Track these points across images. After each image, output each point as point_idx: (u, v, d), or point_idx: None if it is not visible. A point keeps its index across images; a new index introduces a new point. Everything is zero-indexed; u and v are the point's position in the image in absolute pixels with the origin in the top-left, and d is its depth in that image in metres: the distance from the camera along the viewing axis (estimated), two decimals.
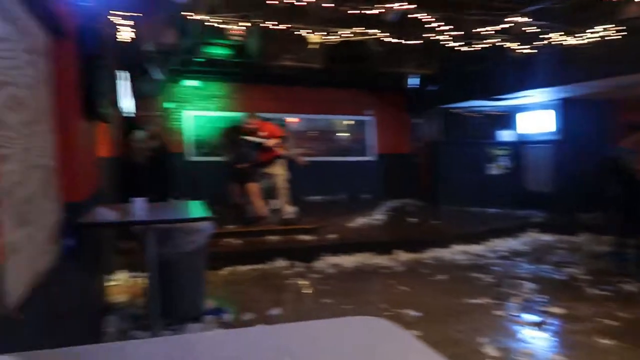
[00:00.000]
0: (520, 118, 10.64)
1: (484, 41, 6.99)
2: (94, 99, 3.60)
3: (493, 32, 6.74)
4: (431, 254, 6.81)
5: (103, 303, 4.33)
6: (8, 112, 2.10)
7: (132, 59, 8.08)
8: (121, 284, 5.30)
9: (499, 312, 4.51)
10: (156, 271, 3.51)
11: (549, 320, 4.35)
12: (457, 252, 6.94)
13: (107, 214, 3.11)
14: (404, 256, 6.64)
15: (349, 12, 5.76)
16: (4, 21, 2.11)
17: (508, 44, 7.10)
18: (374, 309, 4.58)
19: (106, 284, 4.75)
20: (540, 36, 6.76)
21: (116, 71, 5.88)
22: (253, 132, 7.07)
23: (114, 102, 5.55)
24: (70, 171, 3.19)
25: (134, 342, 1.41)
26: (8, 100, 2.12)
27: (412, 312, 4.42)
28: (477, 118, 11.44)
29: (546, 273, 6.00)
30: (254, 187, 6.92)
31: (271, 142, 7.10)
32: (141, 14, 5.23)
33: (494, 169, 10.69)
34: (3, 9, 2.10)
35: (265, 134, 7.16)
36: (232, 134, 6.96)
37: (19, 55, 2.36)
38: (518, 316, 4.44)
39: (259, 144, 7.04)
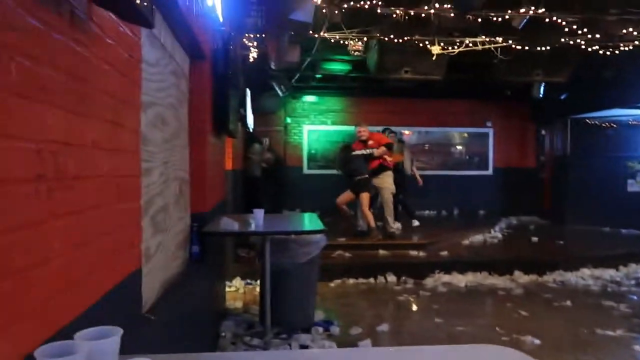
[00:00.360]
0: None
1: (624, 44, 6.33)
2: (224, 115, 3.93)
3: (635, 33, 6.07)
4: (555, 277, 6.29)
5: (221, 308, 4.64)
6: (153, 129, 2.39)
7: (256, 77, 8.68)
8: (237, 290, 5.63)
9: (637, 347, 4.03)
10: (270, 280, 3.70)
11: None
12: (586, 277, 6.33)
13: (229, 223, 3.35)
14: (523, 278, 6.22)
15: (472, 19, 5.57)
16: (154, 47, 2.41)
17: None
18: (489, 333, 4.35)
19: (224, 290, 5.09)
20: None
21: (244, 89, 6.34)
22: (364, 142, 7.15)
23: (241, 118, 5.97)
24: (201, 183, 3.51)
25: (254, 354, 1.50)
26: (154, 119, 2.41)
27: (532, 339, 4.12)
28: (613, 129, 10.36)
29: None
30: (365, 199, 6.98)
31: (379, 151, 7.16)
32: (268, 35, 5.58)
33: (635, 186, 9.59)
34: (154, 37, 2.40)
35: (372, 142, 7.22)
36: (346, 151, 7.13)
37: (166, 78, 2.68)
38: None
39: (370, 155, 7.12)
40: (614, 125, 10.32)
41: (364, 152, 7.09)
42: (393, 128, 9.10)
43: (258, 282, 5.42)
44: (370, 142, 7.22)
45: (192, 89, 3.45)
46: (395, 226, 7.82)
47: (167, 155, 2.72)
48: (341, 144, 7.21)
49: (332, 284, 5.93)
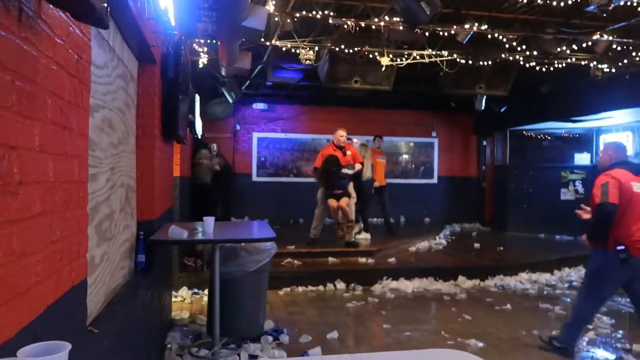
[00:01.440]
0: (600, 140, 10.04)
1: (559, 61, 6.73)
2: (173, 121, 3.84)
3: (568, 51, 6.48)
4: (496, 282, 6.56)
5: (167, 319, 4.51)
6: (100, 134, 2.30)
7: (206, 83, 8.55)
8: (184, 300, 5.50)
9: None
10: (218, 289, 3.63)
11: (626, 358, 4.05)
12: (524, 281, 6.65)
13: (177, 231, 3.27)
14: (467, 283, 6.45)
15: (420, 33, 5.76)
16: (103, 49, 2.32)
17: (588, 63, 6.78)
18: (435, 337, 4.47)
19: (170, 300, 4.96)
20: (624, 54, 6.42)
21: (193, 94, 6.22)
22: (341, 148, 7.20)
23: (189, 124, 5.85)
24: (148, 190, 3.41)
25: None
26: (101, 123, 2.32)
27: (475, 343, 4.27)
28: (550, 140, 10.97)
29: (623, 306, 5.60)
30: (344, 207, 7.02)
31: (356, 168, 7.31)
32: (219, 41, 5.52)
33: (567, 194, 10.16)
34: (103, 38, 2.31)
35: (350, 153, 7.35)
36: (335, 165, 6.97)
37: (113, 81, 2.59)
38: (592, 353, 4.17)
39: (352, 169, 7.23)
40: (549, 137, 10.95)
41: (348, 172, 7.12)
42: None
43: (205, 291, 5.32)
44: (349, 153, 7.31)
45: (141, 93, 3.36)
46: (362, 236, 7.92)
47: (114, 161, 2.63)
48: (330, 157, 7.00)
49: (281, 292, 5.90)
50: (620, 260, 3.68)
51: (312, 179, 10.94)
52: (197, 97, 6.56)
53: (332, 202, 6.99)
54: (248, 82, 9.14)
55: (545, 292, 6.22)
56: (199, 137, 7.63)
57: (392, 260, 7.05)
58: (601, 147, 9.87)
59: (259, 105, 11.09)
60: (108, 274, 2.46)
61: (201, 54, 6.08)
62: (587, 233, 3.97)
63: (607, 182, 3.75)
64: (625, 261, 3.66)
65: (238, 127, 11.00)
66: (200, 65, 6.35)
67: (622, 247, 3.68)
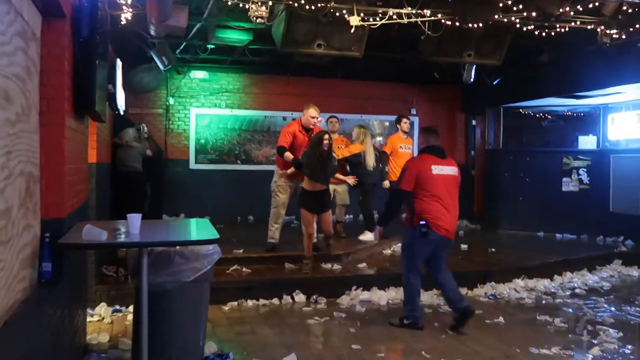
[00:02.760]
0: (608, 120, 10.39)
1: (560, 25, 6.90)
2: (88, 92, 3.74)
3: (572, 13, 6.65)
4: (487, 290, 6.74)
5: (80, 343, 4.42)
6: None
7: (130, 45, 8.35)
8: (102, 319, 5.40)
9: None
10: (147, 305, 3.58)
11: None
12: (519, 288, 6.86)
13: (94, 232, 3.20)
14: None
15: None
16: None
17: (594, 28, 6.97)
18: (415, 359, 4.55)
19: (85, 319, 4.86)
20: (637, 18, 6.63)
21: (114, 60, 6.07)
22: (310, 133, 7.05)
23: (109, 97, 5.72)
24: (56, 180, 3.32)
25: None
26: None
27: None
28: (550, 120, 11.30)
29: (633, 317, 5.86)
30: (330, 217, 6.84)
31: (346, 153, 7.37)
32: None
33: (570, 185, 10.52)
34: None
35: (337, 138, 7.41)
36: (318, 146, 6.34)
37: (9, 41, 2.48)
38: None
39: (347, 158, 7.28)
40: (549, 116, 11.27)
41: (345, 154, 7.22)
42: (301, 113, 9.15)
43: (130, 308, 5.24)
44: (335, 137, 7.33)
45: (46, 57, 3.25)
46: (367, 237, 8.06)
47: (11, 143, 2.54)
48: (320, 134, 6.44)
49: (226, 308, 5.88)
50: (421, 234, 5.08)
51: (265, 166, 10.96)
52: (119, 63, 6.40)
53: (308, 216, 6.52)
54: (184, 44, 8.98)
55: (543, 302, 6.43)
56: (122, 113, 7.45)
57: (362, 265, 7.12)
58: (608, 128, 10.27)
59: (198, 74, 10.93)
60: (3, 288, 2.38)
61: (124, 7, 5.92)
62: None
63: (405, 169, 5.30)
64: (425, 235, 5.08)
65: (171, 101, 10.82)
66: (123, 22, 6.18)
67: (424, 222, 5.06)
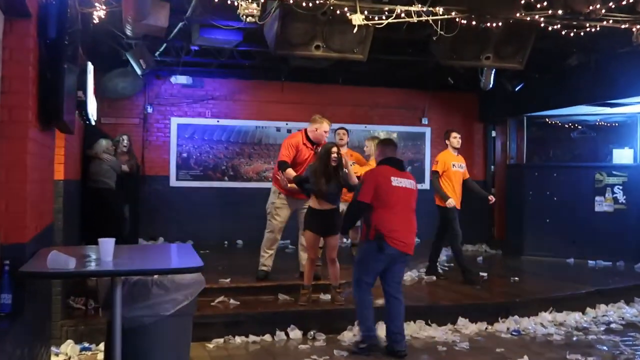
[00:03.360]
0: None
1: (591, 24, 6.96)
2: (56, 100, 3.76)
3: (604, 10, 6.70)
4: (509, 325, 6.70)
5: None
6: None
7: (103, 46, 8.40)
8: (69, 359, 5.36)
9: None
10: (120, 342, 3.57)
11: None
12: (546, 323, 6.83)
13: (60, 260, 3.21)
14: (470, 327, 6.57)
15: None
16: None
17: (629, 27, 7.02)
18: None
19: (50, 358, 4.83)
20: None
21: (85, 63, 6.10)
22: (316, 149, 6.98)
23: (79, 105, 5.74)
24: (17, 200, 3.33)
25: None
26: None
27: None
28: (580, 131, 11.33)
29: None
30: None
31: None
32: None
33: (603, 205, 10.52)
34: None
35: (345, 153, 7.45)
36: (325, 159, 6.30)
37: None
38: None
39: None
40: (579, 127, 11.31)
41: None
42: (298, 124, 9.17)
43: (101, 345, 5.20)
44: (344, 151, 7.38)
45: (7, 60, 3.29)
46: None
47: None
48: (327, 146, 6.40)
49: (211, 345, 5.85)
50: (377, 248, 5.42)
51: (256, 184, 10.98)
52: (91, 67, 6.43)
53: (312, 239, 6.52)
54: (164, 45, 9.03)
55: (574, 339, 6.40)
56: (93, 123, 7.49)
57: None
58: None
59: (181, 79, 10.96)
60: None
61: (97, 4, 5.97)
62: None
63: (363, 181, 5.71)
64: (380, 249, 5.41)
65: (150, 110, 10.86)
66: (96, 21, 6.23)
67: (380, 236, 5.40)
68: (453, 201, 8.12)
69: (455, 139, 8.38)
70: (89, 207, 8.01)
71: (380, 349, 5.50)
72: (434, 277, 8.44)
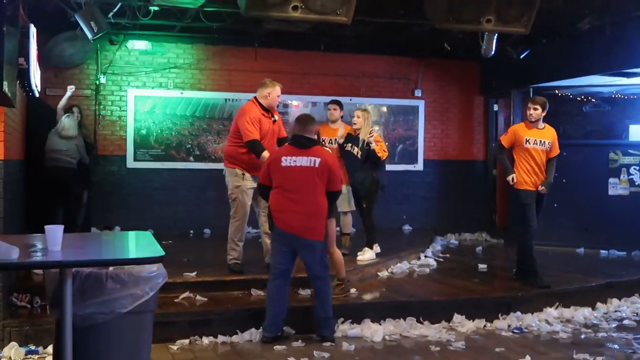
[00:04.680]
0: None
1: None
2: None
3: None
4: (511, 322, 6.76)
5: None
6: None
7: (49, 6, 8.31)
8: None
9: None
10: (71, 343, 3.59)
11: None
12: (552, 320, 6.91)
13: (0, 249, 3.21)
14: (467, 325, 6.64)
15: None
16: None
17: None
18: None
19: None
20: None
21: (27, 26, 6.05)
22: (271, 115, 7.22)
23: (22, 74, 5.71)
24: None
25: None
26: None
27: None
28: (593, 105, 11.40)
29: None
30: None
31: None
32: None
33: (618, 187, 10.61)
34: None
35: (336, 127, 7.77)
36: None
37: None
38: None
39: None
40: (593, 100, 11.36)
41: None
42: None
43: (50, 348, 5.21)
44: (276, 118, 7.36)
45: None
46: (367, 256, 8.19)
47: None
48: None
49: (175, 347, 5.86)
50: (272, 227, 6.16)
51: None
52: (34, 30, 6.39)
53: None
54: (119, 5, 8.94)
55: (583, 337, 6.48)
56: (37, 95, 7.44)
57: (352, 292, 7.15)
58: None
59: (138, 45, 10.90)
60: None
61: None
62: None
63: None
64: (272, 228, 6.18)
65: (102, 80, 10.79)
66: None
67: (270, 215, 6.08)
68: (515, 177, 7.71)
69: (531, 110, 7.63)
70: (42, 190, 7.96)
71: (269, 341, 5.90)
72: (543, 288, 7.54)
